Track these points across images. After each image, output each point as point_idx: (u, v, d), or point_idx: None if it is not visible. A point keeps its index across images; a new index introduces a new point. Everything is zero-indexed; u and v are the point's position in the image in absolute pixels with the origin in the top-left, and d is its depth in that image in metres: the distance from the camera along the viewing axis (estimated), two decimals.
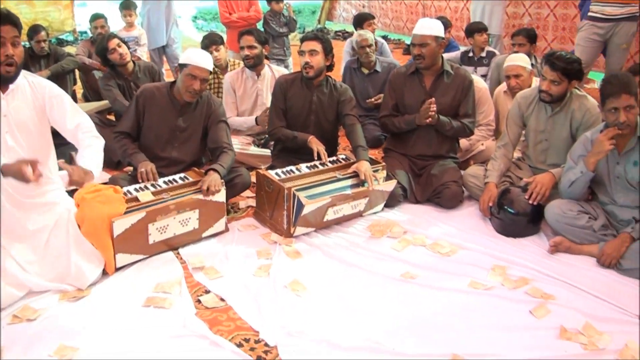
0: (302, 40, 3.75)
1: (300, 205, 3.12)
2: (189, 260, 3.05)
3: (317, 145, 3.62)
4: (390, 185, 3.53)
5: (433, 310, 2.64)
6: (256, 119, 4.41)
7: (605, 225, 3.14)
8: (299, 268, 2.99)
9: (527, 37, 5.14)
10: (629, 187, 3.08)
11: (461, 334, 2.47)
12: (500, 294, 2.77)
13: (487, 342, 2.42)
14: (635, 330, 2.50)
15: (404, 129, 3.85)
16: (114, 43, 4.57)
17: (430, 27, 3.70)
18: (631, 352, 2.35)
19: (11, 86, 2.65)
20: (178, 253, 3.14)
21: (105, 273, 2.88)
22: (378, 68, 5.16)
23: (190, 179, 3.35)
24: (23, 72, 2.70)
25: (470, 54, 5.79)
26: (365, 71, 5.19)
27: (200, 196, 3.14)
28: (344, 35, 12.01)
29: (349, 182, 3.44)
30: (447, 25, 6.13)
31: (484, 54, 5.73)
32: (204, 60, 3.43)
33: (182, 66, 3.44)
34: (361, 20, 6.13)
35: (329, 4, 12.92)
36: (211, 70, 3.48)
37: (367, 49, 5.08)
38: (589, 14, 5.17)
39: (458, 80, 3.82)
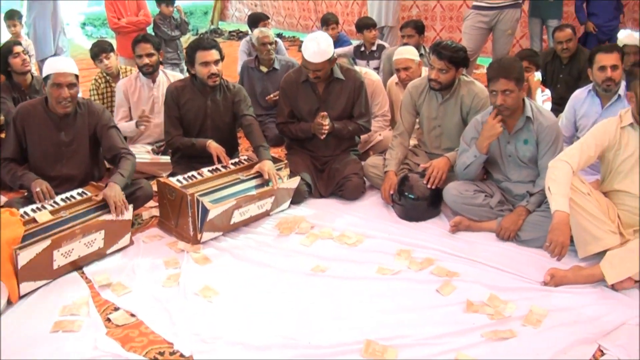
0: (200, 48, 3.61)
1: (205, 211, 3.08)
2: (94, 278, 2.94)
3: (216, 149, 3.59)
4: (294, 182, 3.56)
5: (344, 300, 2.70)
6: (136, 122, 4.29)
7: (502, 202, 3.33)
8: (208, 274, 2.96)
9: (415, 29, 5.33)
10: (521, 164, 3.29)
11: (373, 319, 2.54)
12: (407, 276, 2.88)
13: (398, 324, 2.50)
14: (538, 295, 2.68)
15: (301, 137, 3.92)
16: (19, 48, 4.36)
17: (321, 54, 3.63)
18: (535, 316, 2.50)
19: None
20: (82, 272, 3.02)
21: (9, 302, 2.73)
22: (277, 66, 5.17)
23: (89, 194, 3.23)
24: None
25: (362, 49, 5.96)
26: (264, 69, 5.18)
27: (107, 217, 3.04)
28: (239, 35, 11.94)
29: (253, 182, 3.44)
30: (331, 21, 6.28)
31: (374, 48, 5.91)
32: (65, 65, 3.28)
33: (46, 80, 3.28)
34: (256, 21, 6.13)
35: (221, 4, 12.80)
36: (76, 73, 3.32)
37: (269, 46, 5.08)
38: (474, 3, 5.41)
39: (349, 83, 3.87)
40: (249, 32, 6.20)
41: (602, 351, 2.32)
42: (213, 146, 3.61)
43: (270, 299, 2.73)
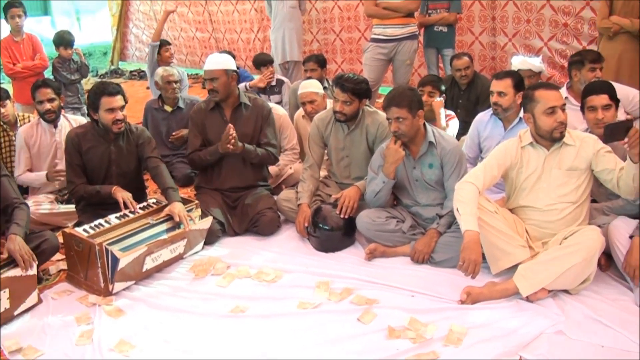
0: (105, 94, 3.51)
1: (116, 260, 2.97)
2: (3, 344, 2.73)
3: (122, 195, 3.48)
4: (207, 222, 3.51)
5: (266, 339, 2.66)
6: (47, 175, 4.12)
7: (413, 226, 3.42)
8: (123, 326, 2.83)
9: (317, 62, 5.45)
10: (428, 187, 3.40)
11: (297, 356, 2.52)
12: (327, 308, 2.88)
13: (321, 356, 2.50)
14: (456, 314, 2.75)
15: (210, 161, 3.85)
16: None
17: (218, 62, 3.79)
18: (456, 335, 2.57)
19: None
20: None
21: None
22: (181, 105, 5.10)
23: None
24: None
25: (261, 84, 6.01)
26: (169, 109, 5.09)
27: (10, 273, 2.85)
28: (140, 74, 11.72)
29: (164, 226, 3.35)
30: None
31: (274, 83, 5.97)
32: None
33: None
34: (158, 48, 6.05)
35: (120, 44, 12.55)
36: None
37: (174, 85, 5.01)
38: (372, 36, 5.60)
39: (257, 110, 3.92)
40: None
41: None
42: (119, 192, 3.50)
43: (190, 346, 2.64)
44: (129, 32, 12.38)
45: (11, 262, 2.96)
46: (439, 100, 4.31)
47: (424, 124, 3.37)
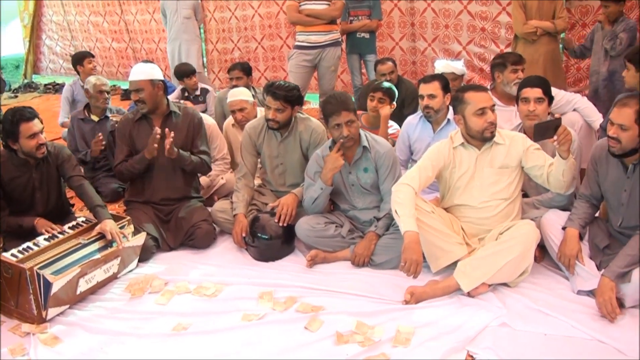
0: (23, 120, 3.30)
1: (48, 284, 2.80)
2: None
3: (45, 226, 3.32)
4: (141, 239, 3.38)
5: (212, 355, 2.59)
6: None
7: (352, 230, 3.44)
8: (61, 354, 2.68)
9: (243, 70, 5.39)
10: (364, 191, 3.43)
11: None
12: (273, 319, 2.84)
13: None
14: (401, 315, 2.78)
15: (139, 170, 3.71)
16: None
17: (143, 72, 3.69)
18: (404, 335, 2.60)
19: None
20: None
21: None
22: (108, 114, 4.92)
23: None
24: None
25: (186, 94, 5.91)
26: (95, 118, 4.90)
27: None
28: (55, 87, 11.24)
29: (96, 245, 3.19)
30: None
31: (198, 92, 5.88)
32: None
33: None
34: (80, 58, 5.81)
35: (33, 57, 11.98)
36: None
37: (106, 95, 4.85)
38: (296, 43, 5.60)
39: (187, 118, 3.83)
40: (76, 75, 5.83)
41: (472, 356, 2.47)
42: (42, 224, 3.34)
43: None
44: (42, 44, 11.86)
45: None
46: (387, 109, 4.30)
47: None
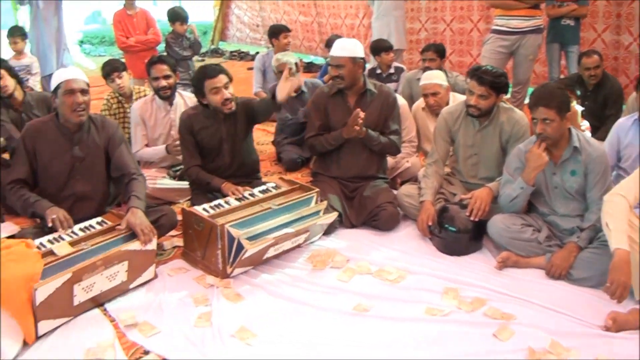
0: (207, 77, 3.47)
1: (241, 248, 2.85)
2: (118, 317, 2.69)
3: (231, 190, 3.41)
4: (331, 217, 3.34)
5: (393, 344, 2.48)
6: (166, 147, 4.10)
7: (549, 237, 3.13)
8: (243, 312, 2.73)
9: (437, 52, 5.20)
10: (568, 196, 3.10)
11: None
12: (458, 318, 2.65)
13: None
14: (600, 342, 2.47)
15: (332, 146, 3.70)
16: None
17: (345, 48, 3.62)
18: None
19: None
20: (105, 309, 2.78)
21: (24, 343, 2.47)
22: (303, 88, 4.99)
23: (109, 224, 3.01)
24: None
25: (378, 71, 5.80)
26: (293, 94, 4.98)
27: (130, 246, 2.80)
28: (240, 55, 11.79)
29: (288, 215, 3.17)
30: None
31: (392, 70, 5.76)
32: (73, 73, 3.13)
33: (55, 92, 3.10)
34: (276, 32, 5.96)
35: (221, 24, 12.66)
36: (87, 81, 3.14)
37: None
38: (494, 27, 5.29)
39: (382, 97, 3.73)
40: (268, 46, 6.02)
41: None
42: (228, 187, 3.45)
43: (312, 340, 2.50)
44: (231, 13, 12.49)
45: (132, 235, 2.91)
46: (576, 106, 3.93)
47: (569, 127, 3.07)
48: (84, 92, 3.09)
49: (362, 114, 3.46)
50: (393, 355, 2.41)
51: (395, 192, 3.77)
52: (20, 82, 4.27)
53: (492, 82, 3.32)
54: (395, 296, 2.85)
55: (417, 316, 2.67)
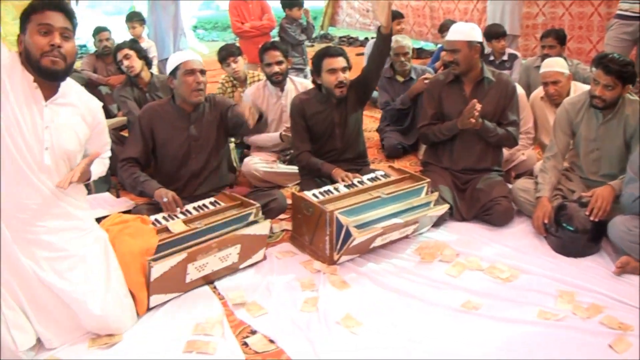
0: (328, 55, 3.48)
1: (349, 236, 2.85)
2: (227, 295, 2.79)
3: (341, 176, 3.39)
4: (442, 209, 3.26)
5: (503, 346, 2.39)
6: (280, 135, 4.17)
7: None
8: (348, 300, 2.73)
9: (557, 39, 4.91)
10: None
11: None
12: (573, 324, 2.51)
13: None
14: None
15: (446, 136, 3.61)
16: (121, 54, 4.36)
17: (461, 32, 3.50)
18: None
19: (60, 94, 2.33)
20: (214, 287, 2.89)
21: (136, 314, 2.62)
22: (413, 75, 4.91)
23: (222, 204, 3.11)
24: (69, 81, 2.38)
25: (491, 58, 5.59)
26: (401, 79, 4.94)
27: (246, 231, 2.88)
28: (349, 40, 11.77)
29: (396, 205, 3.12)
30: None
31: (505, 57, 5.54)
32: (190, 55, 3.25)
33: (173, 73, 3.22)
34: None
35: (331, 10, 12.67)
36: (201, 61, 3.24)
37: (402, 58, 4.84)
38: (618, 11, 4.95)
39: (500, 86, 3.58)
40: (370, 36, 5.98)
41: None
42: (339, 173, 3.42)
43: (419, 335, 2.46)
44: None
45: (243, 217, 2.98)
46: None
47: None
48: (203, 72, 3.20)
49: (478, 106, 3.34)
50: (500, 355, 2.33)
51: (509, 185, 3.62)
52: (148, 63, 4.49)
53: (619, 72, 3.09)
54: (507, 296, 2.74)
55: (528, 319, 2.56)
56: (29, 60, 2.22)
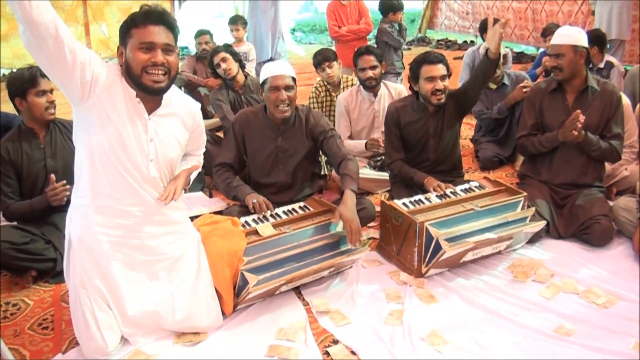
0: (427, 62, 3.41)
1: (438, 249, 2.80)
2: (312, 302, 2.80)
3: (433, 185, 3.33)
4: (538, 226, 3.14)
5: None
6: (366, 144, 4.16)
7: None
8: (435, 316, 2.68)
9: None
10: None
11: None
12: None
13: None
14: None
15: (546, 148, 3.47)
16: (218, 57, 4.48)
17: (567, 35, 3.36)
18: None
19: (163, 105, 2.37)
20: (300, 293, 2.91)
21: (222, 314, 2.68)
22: (506, 81, 4.76)
23: (311, 209, 3.14)
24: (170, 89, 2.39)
25: (590, 66, 5.30)
26: (493, 86, 4.79)
27: (343, 259, 2.88)
28: (447, 43, 11.58)
29: (491, 219, 3.03)
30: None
31: (602, 65, 5.25)
32: (281, 68, 3.23)
33: (263, 85, 3.25)
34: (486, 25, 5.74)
35: (430, 12, 12.49)
36: (293, 76, 3.23)
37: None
38: None
39: (605, 96, 3.40)
40: (476, 41, 5.82)
41: None
42: (431, 183, 3.37)
43: (507, 357, 2.37)
44: (441, 1, 12.24)
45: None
46: None
47: None
48: (289, 88, 3.19)
49: (582, 118, 3.18)
50: None
51: (610, 203, 3.43)
52: (242, 66, 4.62)
53: None
54: (602, 323, 2.58)
55: (623, 350, 2.39)
56: (130, 75, 2.25)
